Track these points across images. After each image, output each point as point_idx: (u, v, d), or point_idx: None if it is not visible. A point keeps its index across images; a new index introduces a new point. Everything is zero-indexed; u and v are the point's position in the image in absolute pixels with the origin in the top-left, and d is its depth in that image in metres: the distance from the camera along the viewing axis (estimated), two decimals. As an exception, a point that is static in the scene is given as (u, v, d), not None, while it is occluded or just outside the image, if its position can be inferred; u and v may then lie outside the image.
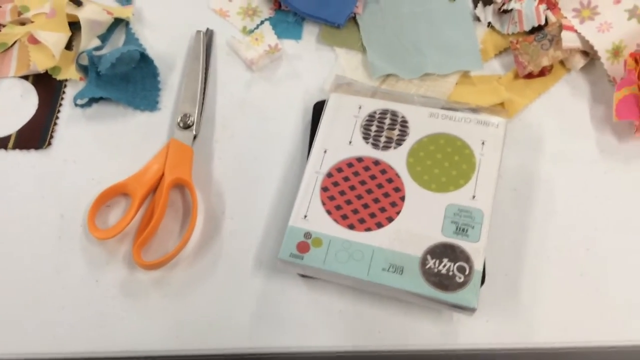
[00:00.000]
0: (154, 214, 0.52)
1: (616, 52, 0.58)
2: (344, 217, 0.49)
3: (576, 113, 0.59)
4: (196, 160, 0.55)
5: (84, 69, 0.59)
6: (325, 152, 0.53)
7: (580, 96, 0.60)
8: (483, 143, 0.52)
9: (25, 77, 0.60)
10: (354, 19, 0.63)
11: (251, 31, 0.62)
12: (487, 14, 0.63)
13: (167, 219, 0.53)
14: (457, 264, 0.47)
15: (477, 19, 0.63)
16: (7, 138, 0.56)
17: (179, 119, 0.56)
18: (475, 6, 0.64)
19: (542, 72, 0.60)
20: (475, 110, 0.54)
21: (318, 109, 0.56)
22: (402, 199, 0.50)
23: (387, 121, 0.54)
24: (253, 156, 0.56)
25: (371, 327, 0.49)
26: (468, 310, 0.46)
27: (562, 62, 0.61)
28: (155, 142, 0.56)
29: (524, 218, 0.53)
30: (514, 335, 0.49)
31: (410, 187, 0.50)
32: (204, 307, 0.49)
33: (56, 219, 0.53)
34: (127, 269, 0.51)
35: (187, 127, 0.56)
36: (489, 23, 0.63)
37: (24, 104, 0.58)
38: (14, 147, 0.56)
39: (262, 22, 0.63)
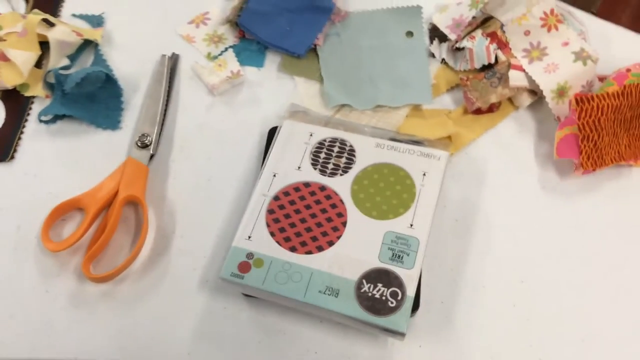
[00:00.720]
0: (106, 229, 0.53)
1: (561, 92, 0.61)
2: (287, 239, 0.51)
3: (521, 149, 0.61)
4: (151, 178, 0.57)
5: (50, 87, 0.61)
6: (274, 175, 0.55)
7: (526, 133, 0.62)
8: (424, 174, 0.54)
9: (-6, 92, 0.62)
10: (314, 50, 0.66)
11: (215, 57, 0.65)
12: (441, 50, 0.66)
13: (119, 235, 0.55)
14: (390, 289, 0.49)
15: (432, 55, 0.66)
16: (-28, 150, 0.59)
17: (137, 138, 0.59)
18: (431, 42, 0.67)
19: (491, 109, 0.63)
20: (420, 142, 0.57)
21: (272, 134, 0.59)
22: (344, 224, 0.52)
23: (336, 149, 0.56)
24: (207, 177, 0.58)
25: (309, 348, 0.51)
26: (398, 334, 0.48)
27: (510, 100, 0.64)
28: (115, 160, 0.58)
29: (463, 248, 0.55)
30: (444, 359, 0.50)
31: (353, 213, 0.53)
32: (148, 322, 0.51)
33: (13, 230, 0.55)
34: (76, 280, 0.53)
35: (144, 146, 0.58)
36: (443, 59, 0.66)
37: (-10, 117, 0.61)
38: (-23, 159, 0.58)
39: (226, 49, 0.65)
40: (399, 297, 0.48)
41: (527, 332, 0.52)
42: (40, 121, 0.60)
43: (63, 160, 0.59)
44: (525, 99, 0.63)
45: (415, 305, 0.50)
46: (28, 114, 0.61)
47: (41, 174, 0.58)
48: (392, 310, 0.48)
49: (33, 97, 0.62)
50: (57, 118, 0.61)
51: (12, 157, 0.58)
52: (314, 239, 0.51)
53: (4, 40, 0.62)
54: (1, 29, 0.63)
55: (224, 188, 0.57)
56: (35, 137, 0.60)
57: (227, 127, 0.61)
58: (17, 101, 0.61)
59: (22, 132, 0.60)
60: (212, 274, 0.53)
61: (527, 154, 0.61)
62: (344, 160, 0.56)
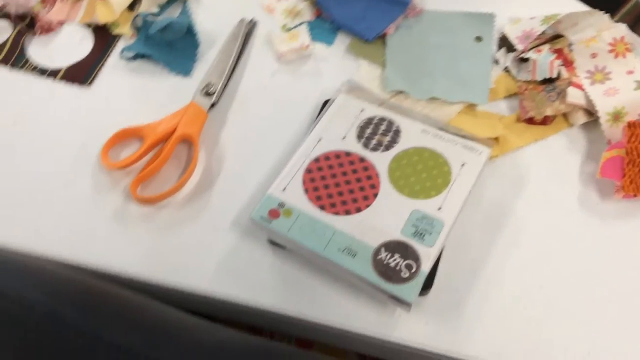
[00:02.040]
0: (158, 159, 0.58)
1: (617, 116, 0.61)
2: (318, 198, 0.54)
3: (566, 165, 0.62)
4: (208, 124, 0.62)
5: (137, 29, 0.67)
6: (319, 140, 0.58)
7: (574, 150, 0.63)
8: (463, 165, 0.56)
9: (88, 25, 0.68)
10: (382, 38, 0.68)
11: (289, 29, 0.69)
12: (506, 59, 0.67)
13: (169, 167, 0.59)
14: (406, 262, 0.50)
15: (496, 62, 0.68)
16: (58, 70, 0.65)
17: (203, 86, 0.63)
18: (498, 50, 0.68)
19: (544, 121, 0.64)
20: (465, 136, 0.58)
21: (326, 104, 0.62)
22: (375, 195, 0.54)
23: (383, 127, 0.59)
24: (258, 133, 0.62)
25: (319, 302, 0.53)
26: (404, 304, 0.49)
27: (564, 116, 0.64)
28: (179, 102, 0.63)
29: (488, 245, 0.56)
30: (447, 342, 0.51)
31: (386, 187, 0.55)
32: (179, 248, 0.55)
33: (78, 144, 0.60)
34: (123, 199, 0.58)
35: (208, 94, 0.63)
36: (506, 68, 0.67)
37: (80, 46, 0.67)
38: (62, 79, 0.64)
39: (301, 24, 0.69)
40: (413, 270, 0.50)
41: (534, 336, 0.52)
42: (122, 57, 0.66)
43: (134, 94, 0.64)
44: (580, 118, 0.63)
45: (428, 284, 0.51)
46: (112, 49, 0.67)
47: (112, 102, 0.63)
48: (404, 280, 0.50)
49: (120, 35, 0.68)
50: (137, 57, 0.66)
51: (91, 83, 0.64)
52: (344, 202, 0.54)
53: (108, -19, 0.69)
54: (107, -29, 0.70)
55: (271, 145, 0.61)
56: (114, 69, 0.66)
57: (287, 93, 0.65)
58: (105, 36, 0.68)
59: (103, 63, 0.66)
60: (245, 218, 0.57)
61: (571, 170, 0.61)
62: (388, 138, 0.58)
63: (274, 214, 0.53)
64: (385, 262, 0.50)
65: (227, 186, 0.59)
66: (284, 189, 0.55)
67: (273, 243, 0.55)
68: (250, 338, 0.38)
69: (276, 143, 0.61)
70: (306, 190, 0.55)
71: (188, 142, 0.61)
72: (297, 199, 0.54)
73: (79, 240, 0.55)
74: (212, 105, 0.63)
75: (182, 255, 0.55)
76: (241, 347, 0.36)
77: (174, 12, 0.70)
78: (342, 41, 0.69)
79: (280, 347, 0.37)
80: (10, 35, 0.67)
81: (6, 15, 0.68)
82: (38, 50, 0.66)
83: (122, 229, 0.56)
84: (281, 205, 0.54)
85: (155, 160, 0.58)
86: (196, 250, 0.55)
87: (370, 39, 0.68)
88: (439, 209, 0.53)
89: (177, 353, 0.35)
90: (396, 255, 0.51)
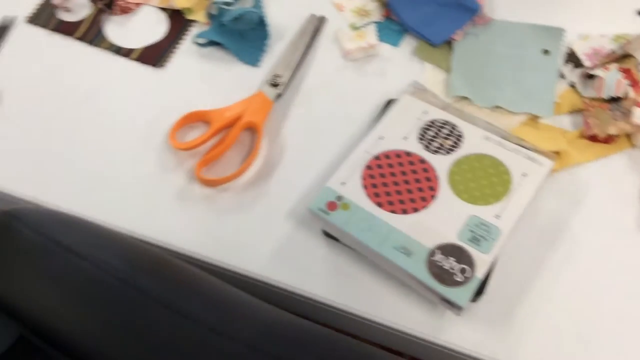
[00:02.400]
0: (223, 143, 0.60)
1: (684, 141, 0.60)
2: (376, 194, 0.55)
3: (627, 185, 0.61)
4: (273, 114, 0.63)
5: (211, 17, 0.69)
6: (381, 138, 0.59)
7: (635, 171, 0.62)
8: (524, 175, 0.56)
9: (163, 9, 0.71)
10: (449, 43, 0.69)
11: (357, 28, 0.70)
12: (573, 75, 0.67)
13: (233, 152, 0.61)
14: (461, 266, 0.51)
15: (562, 76, 0.67)
16: (133, 50, 0.67)
17: (270, 77, 0.65)
18: (565, 64, 0.68)
19: (607, 140, 0.63)
20: (527, 147, 0.58)
21: (388, 104, 0.63)
22: (433, 197, 0.55)
23: (445, 131, 0.59)
24: (320, 126, 0.63)
25: (369, 296, 0.54)
26: (456, 307, 0.49)
27: (628, 136, 0.63)
28: (245, 91, 0.65)
29: (542, 258, 0.56)
30: (493, 351, 0.52)
31: (444, 190, 0.55)
32: (236, 231, 0.57)
33: (147, 123, 0.63)
34: (187, 179, 0.59)
35: (275, 85, 0.64)
36: (572, 84, 0.66)
37: (155, 29, 0.69)
38: (136, 59, 0.67)
39: (369, 24, 0.70)
40: (467, 275, 0.50)
41: (581, 354, 0.52)
42: (195, 42, 0.68)
43: (203, 79, 0.66)
44: (645, 139, 0.62)
45: (481, 291, 0.52)
46: (185, 34, 0.69)
47: (182, 85, 0.65)
48: (457, 283, 0.50)
49: (193, 21, 0.70)
50: (209, 44, 0.68)
51: (163, 65, 0.67)
52: (401, 201, 0.54)
53: (185, -32, 0.71)
54: (185, -41, 0.72)
55: (330, 139, 0.62)
56: (186, 54, 0.68)
57: (350, 90, 0.66)
58: (179, 21, 0.70)
59: (176, 47, 0.68)
60: (301, 208, 0.58)
61: (631, 191, 0.61)
62: (450, 142, 0.58)
63: (331, 206, 0.54)
64: (439, 264, 0.51)
65: (286, 176, 0.60)
66: (343, 183, 0.56)
67: (327, 235, 0.56)
68: (315, 325, 0.39)
69: (336, 138, 0.62)
70: (365, 186, 0.55)
71: (252, 130, 0.62)
72: (356, 193, 0.55)
73: (142, 214, 0.57)
74: (278, 96, 0.64)
75: (239, 238, 0.56)
76: (309, 329, 0.37)
77: (246, 3, 0.72)
78: (408, 43, 0.70)
79: (343, 337, 0.38)
80: (90, 14, 0.69)
81: (88, -6, 0.71)
82: (115, 29, 0.69)
83: (184, 208, 0.58)
84: (339, 198, 0.55)
85: (221, 145, 0.60)
86: (252, 235, 0.57)
87: (437, 44, 0.68)
88: (497, 216, 0.53)
89: (250, 329, 0.36)
90: (451, 259, 0.51)
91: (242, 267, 0.55)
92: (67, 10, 0.69)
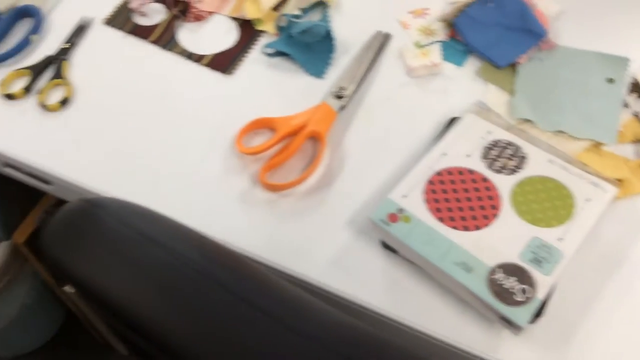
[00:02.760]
0: (287, 150, 0.61)
1: None
2: (438, 209, 0.55)
3: (692, 218, 0.60)
4: (336, 125, 0.64)
5: (280, 28, 0.71)
6: (444, 154, 0.59)
7: (702, 205, 0.61)
8: (587, 200, 0.56)
9: (234, 18, 0.73)
10: (513, 66, 0.69)
11: (422, 46, 0.71)
12: (637, 104, 0.66)
13: (295, 159, 0.62)
14: (522, 286, 0.51)
15: (626, 105, 0.67)
16: (204, 56, 0.70)
17: (335, 89, 0.66)
18: (630, 94, 0.67)
19: (672, 171, 0.62)
20: (591, 173, 0.58)
21: (451, 122, 0.63)
22: (495, 216, 0.55)
23: (509, 151, 0.59)
24: (381, 139, 0.64)
25: (426, 309, 0.54)
26: (515, 327, 0.49)
27: (695, 169, 0.63)
28: (309, 101, 0.66)
29: (601, 285, 0.56)
30: (549, 374, 0.51)
31: (507, 210, 0.55)
32: (296, 235, 0.58)
33: (215, 126, 0.64)
34: (250, 183, 0.61)
35: (339, 97, 0.66)
36: (636, 113, 0.66)
37: (225, 37, 0.72)
38: (206, 65, 0.69)
39: (434, 43, 0.71)
40: (528, 295, 0.50)
41: (642, 384, 0.51)
42: (263, 52, 0.70)
43: (270, 87, 0.68)
44: None
45: (540, 312, 0.51)
46: (254, 43, 0.71)
47: (250, 92, 0.67)
48: (518, 303, 0.50)
49: (262, 31, 0.72)
50: (276, 54, 0.70)
51: (232, 72, 0.69)
52: (463, 218, 0.55)
53: (257, -20, 0.74)
54: (258, -29, 0.75)
55: (391, 152, 0.63)
56: (254, 63, 0.70)
57: (412, 106, 0.67)
58: (249, 31, 0.72)
59: (245, 55, 0.70)
60: (361, 218, 0.59)
61: (696, 224, 0.60)
62: (513, 163, 0.59)
63: (393, 218, 0.55)
64: (500, 282, 0.51)
65: (346, 185, 0.61)
66: (405, 195, 0.56)
67: (385, 246, 0.57)
68: (376, 331, 0.39)
69: (396, 151, 0.63)
70: (427, 201, 0.56)
71: (315, 139, 0.64)
72: (417, 207, 0.55)
73: (205, 213, 0.59)
74: (342, 108, 0.66)
75: (298, 244, 0.57)
76: (371, 334, 0.38)
77: (314, 17, 0.74)
78: (472, 64, 0.70)
79: (404, 346, 0.38)
80: (165, 19, 0.72)
81: (162, 1, 0.73)
82: (187, 35, 0.71)
83: (246, 210, 0.59)
84: (400, 210, 0.55)
85: (285, 152, 0.61)
86: (312, 241, 0.58)
87: (501, 66, 0.69)
88: (560, 239, 0.53)
89: (322, 328, 0.37)
90: (512, 278, 0.51)
91: (300, 272, 0.56)
92: (143, 14, 0.72)
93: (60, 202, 0.94)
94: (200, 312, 0.37)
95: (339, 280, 0.56)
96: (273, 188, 0.60)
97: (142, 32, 0.71)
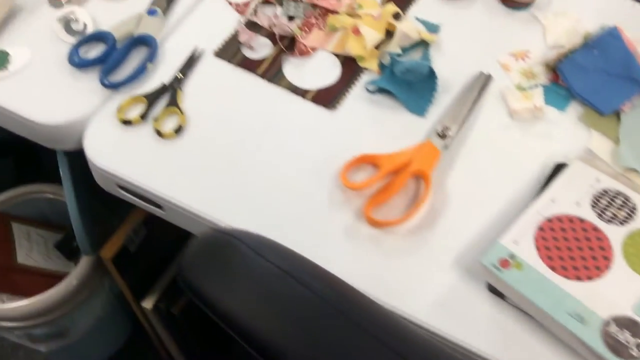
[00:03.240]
0: (391, 187, 0.62)
1: None
2: (550, 258, 0.55)
3: None
4: (439, 163, 0.65)
5: (382, 66, 0.73)
6: (552, 201, 0.59)
7: None
8: None
9: (338, 55, 0.75)
10: (617, 113, 0.69)
11: (523, 89, 0.71)
12: None
13: (399, 196, 0.63)
14: (637, 340, 0.50)
15: None
16: (308, 91, 0.72)
17: (438, 128, 0.67)
18: None
19: None
20: None
21: (558, 168, 0.63)
22: (607, 267, 0.54)
23: (618, 201, 0.59)
24: (485, 180, 0.64)
25: (533, 356, 0.53)
26: (631, 383, 0.49)
27: None
28: (411, 139, 0.67)
29: None
30: None
31: (619, 261, 0.55)
32: (400, 273, 0.58)
33: (321, 159, 0.66)
34: (354, 217, 0.62)
35: (443, 136, 0.67)
36: None
37: (329, 72, 0.74)
38: (311, 99, 0.71)
39: (535, 86, 0.72)
40: (645, 351, 0.49)
41: None
42: (366, 89, 0.72)
43: (372, 124, 0.69)
44: None
45: (654, 369, 0.50)
46: (357, 79, 0.73)
47: (352, 127, 0.69)
48: (632, 358, 0.49)
49: (365, 68, 0.74)
50: (379, 91, 0.72)
51: (335, 107, 0.71)
52: (575, 268, 0.54)
53: (360, 17, 0.76)
54: (361, 8, 0.77)
55: (495, 194, 0.63)
56: (357, 99, 0.71)
57: (515, 148, 0.67)
58: (351, 67, 0.74)
59: (348, 91, 0.72)
60: (466, 260, 0.59)
61: None
62: (623, 214, 0.58)
63: (504, 263, 0.55)
64: (614, 335, 0.50)
65: (450, 225, 0.61)
66: (516, 241, 0.56)
67: (492, 290, 0.57)
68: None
69: (500, 193, 0.64)
70: (538, 248, 0.56)
71: (419, 177, 0.65)
72: (529, 254, 0.55)
73: (310, 245, 0.60)
74: (445, 147, 0.66)
75: (403, 282, 0.58)
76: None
77: (414, 55, 0.75)
78: (574, 109, 0.70)
79: None
80: (272, 54, 0.75)
81: (269, 35, 0.76)
82: (293, 69, 0.74)
83: (350, 244, 0.60)
84: (512, 256, 0.55)
85: (389, 189, 0.62)
86: (416, 280, 0.58)
87: (605, 113, 0.69)
88: (676, 295, 0.52)
89: (421, 353, 0.38)
90: (626, 332, 0.50)
91: (404, 310, 0.57)
92: (251, 48, 0.75)
93: (147, 221, 0.97)
94: (337, 349, 0.38)
95: (443, 321, 0.56)
96: (379, 224, 0.61)
97: (250, 65, 0.74)
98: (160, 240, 1.04)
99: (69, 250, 1.24)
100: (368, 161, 0.66)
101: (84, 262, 1.11)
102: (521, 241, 0.56)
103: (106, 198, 0.91)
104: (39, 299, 1.08)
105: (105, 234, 1.03)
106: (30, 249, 1.21)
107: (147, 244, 1.04)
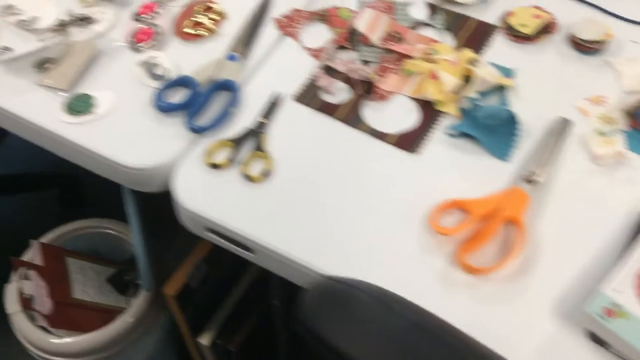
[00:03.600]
0: (484, 233, 0.63)
1: None
2: (654, 306, 0.55)
3: None
4: (528, 209, 0.66)
5: (463, 111, 0.74)
6: (650, 250, 0.59)
7: None
8: None
9: (414, 98, 0.76)
10: (703, 159, 0.69)
11: (603, 134, 0.72)
12: None
13: (490, 242, 0.63)
14: None
15: None
16: (387, 134, 0.73)
17: (525, 174, 0.68)
18: None
19: None
20: None
21: (649, 215, 0.63)
22: None
23: None
24: (573, 225, 0.65)
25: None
26: None
27: None
28: (495, 183, 0.68)
29: None
30: None
31: None
32: (497, 320, 0.58)
33: (407, 202, 0.67)
34: (446, 263, 0.62)
35: (530, 181, 0.67)
36: None
37: (407, 116, 0.75)
38: (392, 143, 0.72)
39: (616, 131, 0.72)
40: None
41: None
42: (447, 133, 0.73)
43: (454, 168, 0.70)
44: None
45: None
46: (435, 123, 0.74)
47: (435, 171, 0.70)
48: None
49: (443, 112, 0.75)
50: (460, 135, 0.72)
51: (417, 151, 0.71)
52: (681, 318, 0.54)
53: (436, 62, 0.77)
54: (437, 53, 0.78)
55: (585, 239, 0.64)
56: (438, 143, 0.72)
57: (601, 194, 0.67)
58: (430, 111, 0.75)
59: (428, 135, 0.73)
60: (564, 307, 0.59)
61: None
62: None
63: (609, 313, 0.55)
64: None
65: (544, 272, 0.61)
66: (618, 290, 0.56)
67: (594, 339, 0.56)
68: None
69: (590, 239, 0.64)
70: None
71: (510, 223, 0.65)
72: (633, 303, 0.55)
73: (403, 289, 0.60)
74: (533, 192, 0.67)
75: (500, 329, 0.58)
76: None
77: (491, 100, 0.76)
78: (657, 155, 0.71)
79: None
80: (351, 98, 0.76)
81: (346, 80, 0.78)
82: (371, 113, 0.75)
83: (444, 290, 0.61)
84: (616, 305, 0.55)
85: (482, 235, 0.63)
86: (513, 328, 0.58)
87: (690, 158, 0.69)
88: None
89: None
90: None
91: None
92: (329, 92, 0.77)
93: (209, 259, 0.98)
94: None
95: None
96: (475, 271, 0.61)
97: (329, 109, 0.75)
98: (217, 276, 1.05)
99: (121, 285, 1.25)
100: (457, 206, 0.66)
101: (141, 298, 1.11)
102: (624, 290, 0.56)
103: (161, 235, 0.92)
104: (96, 335, 1.09)
105: (163, 271, 1.04)
106: (85, 284, 1.22)
107: (205, 280, 1.04)
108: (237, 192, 0.68)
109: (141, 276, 1.05)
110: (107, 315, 1.17)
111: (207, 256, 0.99)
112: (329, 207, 0.67)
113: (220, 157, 0.71)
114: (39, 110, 0.74)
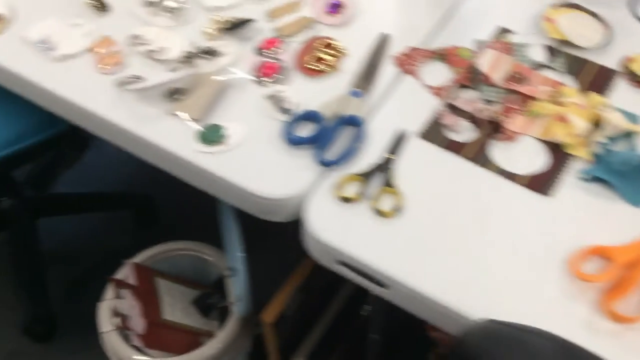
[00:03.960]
0: (630, 281, 0.62)
1: None
2: None
3: None
4: (673, 260, 0.64)
5: (595, 155, 0.73)
6: None
7: None
8: None
9: (542, 141, 0.76)
10: None
11: None
12: None
13: (635, 291, 0.62)
14: None
15: None
16: (516, 175, 0.73)
17: (667, 222, 0.66)
18: None
19: None
20: None
21: None
22: None
23: None
24: None
25: None
26: None
27: None
28: (632, 230, 0.67)
29: None
30: None
31: None
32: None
33: (542, 247, 0.66)
34: (589, 311, 0.61)
35: (672, 231, 0.66)
36: None
37: (535, 158, 0.75)
38: (524, 185, 0.72)
39: None
40: None
41: None
42: (580, 177, 0.72)
43: (589, 212, 0.69)
44: None
45: None
46: (565, 166, 0.73)
47: (570, 215, 0.69)
48: None
49: (571, 155, 0.74)
50: (593, 180, 0.72)
51: (549, 194, 0.71)
52: None
53: (565, 105, 0.77)
54: (564, 96, 0.78)
55: None
56: (570, 186, 0.72)
57: None
58: (559, 154, 0.74)
59: (559, 178, 0.72)
60: None
61: None
62: None
63: None
64: None
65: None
66: None
67: None
68: None
69: None
70: None
71: (654, 272, 0.64)
72: None
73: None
74: (674, 242, 0.65)
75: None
76: None
77: (620, 146, 0.75)
78: None
79: None
80: (478, 137, 0.77)
81: (472, 119, 0.78)
82: (499, 153, 0.75)
83: (590, 338, 0.59)
84: None
85: (627, 282, 0.62)
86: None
87: None
88: None
89: None
90: None
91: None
92: (455, 131, 0.77)
93: (306, 288, 0.99)
94: None
95: None
96: (623, 320, 0.60)
97: (455, 147, 0.76)
98: (308, 304, 1.05)
99: (204, 307, 1.26)
100: (599, 253, 0.65)
101: (232, 323, 1.12)
102: None
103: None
104: (186, 358, 1.10)
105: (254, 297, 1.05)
106: (173, 305, 1.24)
107: (299, 307, 1.05)
108: (369, 226, 0.69)
109: (238, 301, 1.06)
110: (193, 337, 1.19)
111: (301, 285, 1.00)
112: (464, 246, 0.67)
113: (351, 191, 0.71)
114: (173, 139, 0.77)
